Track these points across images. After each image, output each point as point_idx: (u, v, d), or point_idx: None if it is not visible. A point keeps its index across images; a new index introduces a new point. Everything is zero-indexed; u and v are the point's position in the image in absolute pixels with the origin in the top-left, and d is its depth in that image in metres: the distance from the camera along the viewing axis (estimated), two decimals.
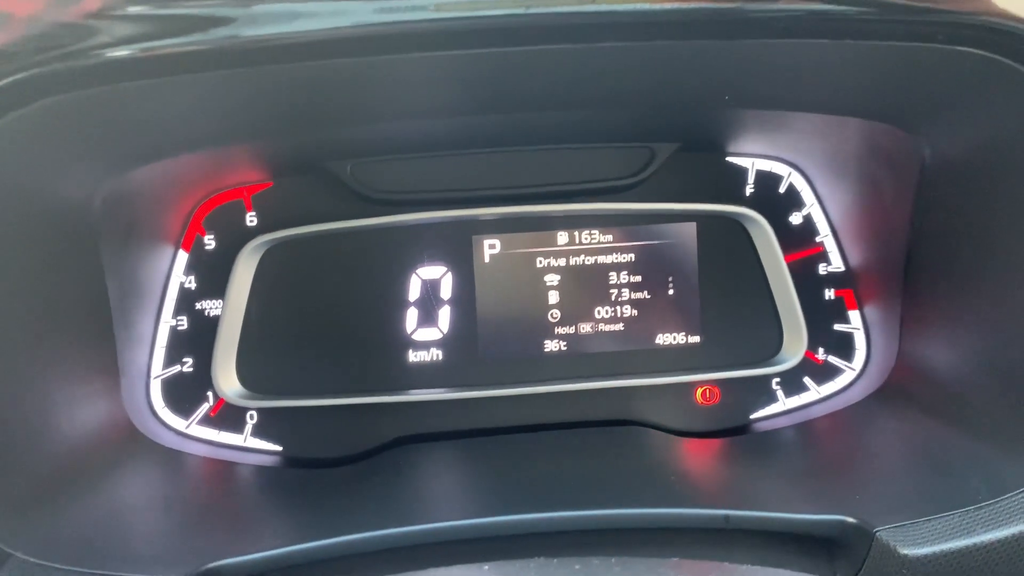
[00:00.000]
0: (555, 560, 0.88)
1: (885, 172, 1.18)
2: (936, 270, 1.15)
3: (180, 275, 1.26)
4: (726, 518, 1.00)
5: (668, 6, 0.82)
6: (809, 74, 0.98)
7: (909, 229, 1.17)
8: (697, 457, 1.25)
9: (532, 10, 0.82)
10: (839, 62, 0.91)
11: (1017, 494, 0.92)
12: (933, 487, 1.02)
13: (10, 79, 0.76)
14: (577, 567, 0.87)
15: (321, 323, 1.28)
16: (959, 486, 0.98)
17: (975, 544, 0.89)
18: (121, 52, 0.75)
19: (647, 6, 0.82)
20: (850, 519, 0.96)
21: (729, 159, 1.31)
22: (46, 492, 0.98)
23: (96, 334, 1.12)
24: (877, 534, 0.93)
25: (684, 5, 0.82)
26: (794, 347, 1.30)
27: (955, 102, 0.96)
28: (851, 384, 1.32)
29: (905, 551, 0.90)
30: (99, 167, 1.01)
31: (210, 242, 1.26)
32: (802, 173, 1.30)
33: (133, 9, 0.75)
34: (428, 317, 1.29)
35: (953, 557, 0.89)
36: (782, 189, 1.31)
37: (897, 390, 1.25)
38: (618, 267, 1.30)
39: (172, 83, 0.84)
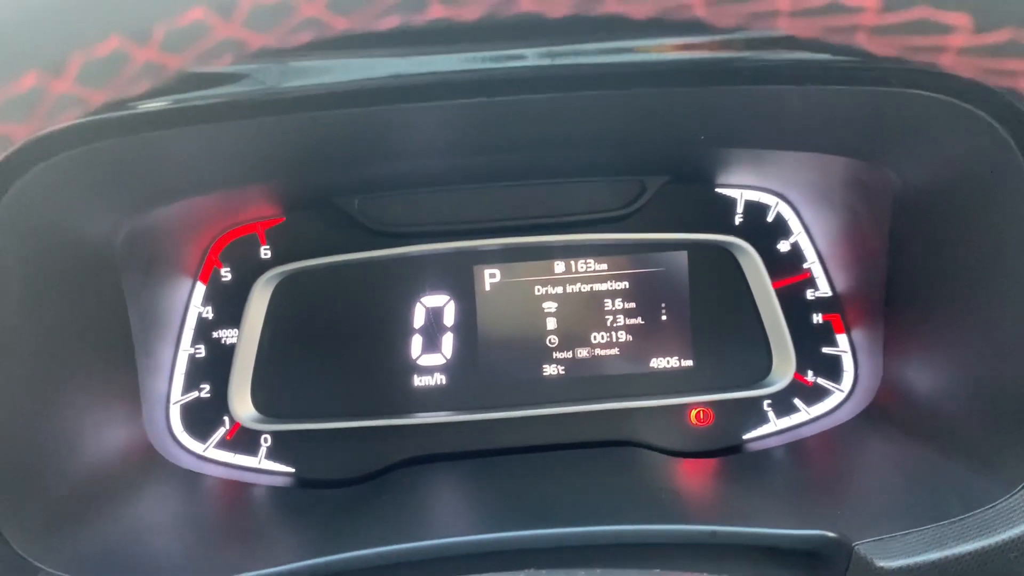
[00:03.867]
0: (543, 572, 0.93)
1: (862, 203, 1.23)
2: (912, 296, 1.20)
3: (198, 305, 1.32)
4: (713, 533, 1.05)
5: (667, 57, 0.90)
6: (783, 115, 1.05)
7: (887, 257, 1.22)
8: (691, 476, 1.29)
9: (557, 60, 0.90)
10: (807, 105, 0.98)
11: (986, 509, 0.97)
12: (910, 503, 1.07)
13: (44, 132, 0.84)
14: None
15: (331, 350, 1.33)
16: (934, 502, 1.03)
17: (947, 556, 0.94)
18: (153, 105, 0.82)
19: (643, 57, 0.90)
20: (830, 534, 1.00)
21: (718, 190, 1.36)
22: (71, 511, 1.04)
23: (119, 362, 1.19)
24: (856, 548, 0.97)
25: (687, 56, 0.90)
26: (783, 370, 1.34)
27: (914, 138, 1.03)
28: (840, 405, 1.36)
29: (881, 563, 0.95)
30: (122, 207, 1.09)
31: (226, 274, 1.33)
32: (788, 203, 1.35)
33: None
34: (432, 343, 1.34)
35: (926, 569, 0.94)
36: (770, 218, 1.36)
37: (881, 411, 1.29)
38: (613, 294, 1.35)
39: (196, 131, 0.92)
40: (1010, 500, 0.97)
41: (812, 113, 1.03)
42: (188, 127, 0.90)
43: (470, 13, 0.35)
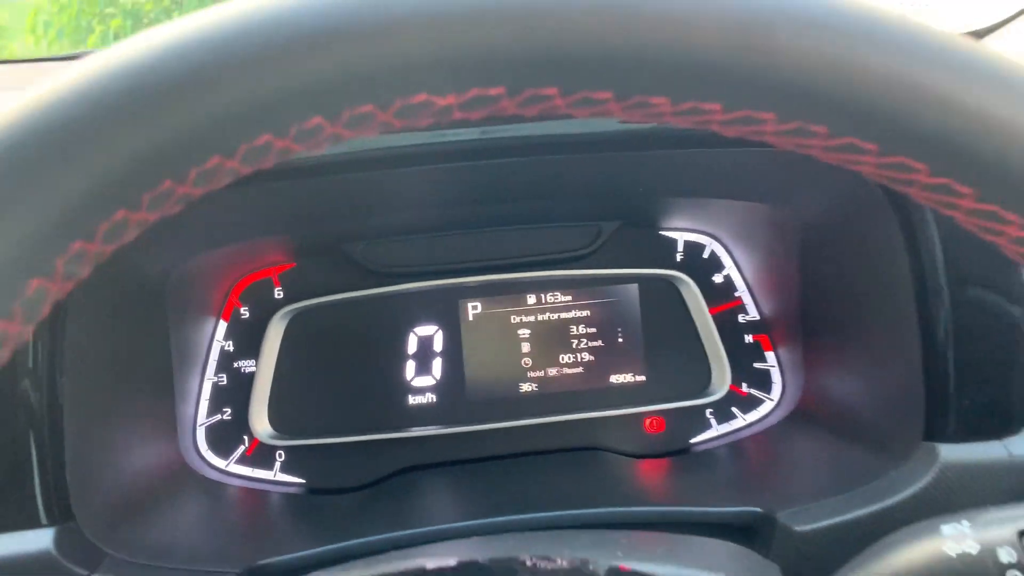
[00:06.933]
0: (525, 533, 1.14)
1: (777, 241, 1.48)
2: (821, 319, 1.44)
3: (221, 340, 1.50)
4: (663, 514, 1.27)
5: (599, 130, 1.15)
6: (705, 171, 1.31)
7: (800, 286, 1.47)
8: (647, 473, 1.50)
9: (488, 135, 1.15)
10: (722, 162, 1.24)
11: (880, 480, 1.19)
12: (824, 482, 1.30)
13: None
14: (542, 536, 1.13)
15: (338, 375, 1.52)
16: (843, 479, 1.26)
17: (848, 518, 1.14)
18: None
19: (579, 129, 1.16)
20: (758, 509, 1.22)
21: (662, 233, 1.59)
22: (124, 510, 1.22)
23: (162, 389, 1.38)
24: (778, 518, 1.19)
25: (616, 129, 1.15)
26: (720, 383, 1.56)
27: (806, 185, 1.28)
28: (771, 412, 1.57)
29: (798, 528, 1.16)
30: (174, 253, 1.30)
31: (245, 313, 1.52)
32: (721, 243, 1.59)
33: None
34: (424, 367, 1.54)
35: (833, 528, 1.14)
36: (705, 256, 1.60)
37: (804, 414, 1.52)
38: (577, 321, 1.57)
39: (231, 192, 1.14)
40: (897, 472, 1.20)
41: (727, 168, 1.28)
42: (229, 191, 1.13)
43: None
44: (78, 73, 0.35)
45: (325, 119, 0.36)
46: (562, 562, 0.86)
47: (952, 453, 1.16)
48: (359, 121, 0.37)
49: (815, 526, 1.16)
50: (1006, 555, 0.81)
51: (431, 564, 0.84)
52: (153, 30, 0.36)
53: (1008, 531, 0.83)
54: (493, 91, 0.37)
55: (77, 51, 1.92)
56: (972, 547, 0.84)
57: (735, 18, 0.36)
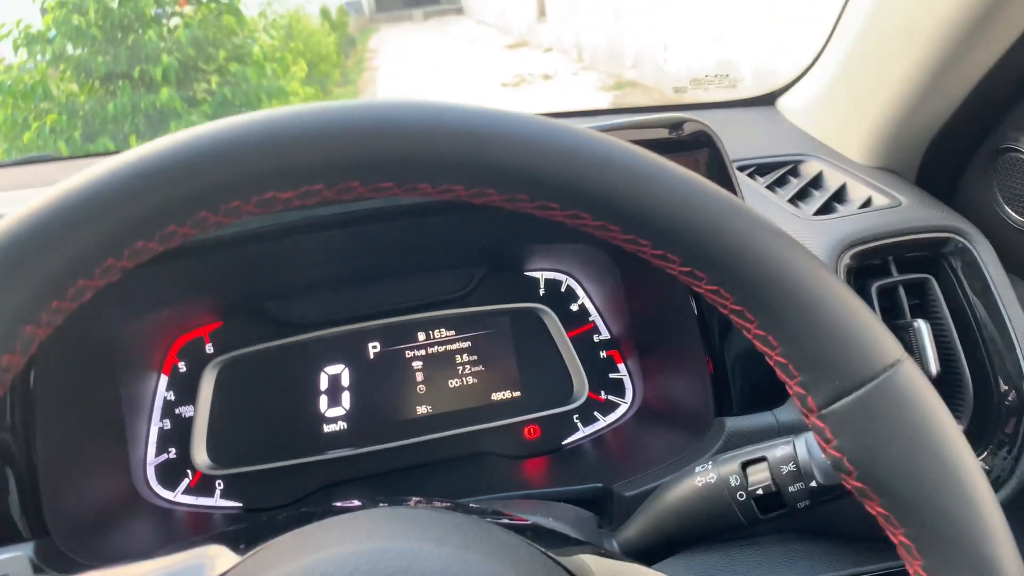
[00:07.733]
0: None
1: (609, 274, 1.82)
2: (646, 333, 1.79)
3: (163, 391, 1.73)
4: (531, 495, 1.60)
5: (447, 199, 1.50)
6: (548, 222, 1.66)
7: (629, 310, 1.85)
8: (526, 469, 1.82)
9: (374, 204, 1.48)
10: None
11: (685, 452, 1.55)
12: (654, 459, 1.65)
13: None
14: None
15: (263, 412, 1.73)
16: (666, 455, 1.61)
17: (664, 482, 1.49)
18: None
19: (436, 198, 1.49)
20: (600, 484, 1.57)
21: (526, 273, 1.88)
22: (91, 529, 1.48)
23: (115, 437, 1.64)
24: (614, 488, 1.53)
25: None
26: (581, 392, 1.86)
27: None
28: (625, 412, 1.87)
29: (627, 493, 1.48)
30: (121, 316, 1.60)
31: (182, 367, 1.74)
32: (574, 278, 1.89)
33: None
34: (335, 400, 1.77)
35: (651, 491, 1.48)
36: (563, 290, 1.88)
37: (648, 411, 1.84)
38: (461, 351, 1.82)
39: (166, 266, 1.46)
40: (699, 443, 1.55)
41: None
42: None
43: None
44: (60, 191, 0.49)
45: (209, 212, 0.50)
46: (445, 504, 1.13)
47: (735, 424, 1.52)
48: (231, 212, 0.51)
49: (638, 491, 1.49)
50: (734, 480, 1.17)
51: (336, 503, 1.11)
52: (101, 165, 0.50)
53: (735, 465, 1.18)
54: (316, 187, 0.52)
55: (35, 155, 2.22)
56: (712, 478, 1.19)
57: (455, 134, 0.53)
